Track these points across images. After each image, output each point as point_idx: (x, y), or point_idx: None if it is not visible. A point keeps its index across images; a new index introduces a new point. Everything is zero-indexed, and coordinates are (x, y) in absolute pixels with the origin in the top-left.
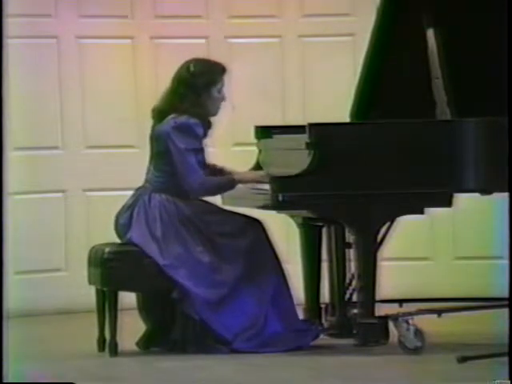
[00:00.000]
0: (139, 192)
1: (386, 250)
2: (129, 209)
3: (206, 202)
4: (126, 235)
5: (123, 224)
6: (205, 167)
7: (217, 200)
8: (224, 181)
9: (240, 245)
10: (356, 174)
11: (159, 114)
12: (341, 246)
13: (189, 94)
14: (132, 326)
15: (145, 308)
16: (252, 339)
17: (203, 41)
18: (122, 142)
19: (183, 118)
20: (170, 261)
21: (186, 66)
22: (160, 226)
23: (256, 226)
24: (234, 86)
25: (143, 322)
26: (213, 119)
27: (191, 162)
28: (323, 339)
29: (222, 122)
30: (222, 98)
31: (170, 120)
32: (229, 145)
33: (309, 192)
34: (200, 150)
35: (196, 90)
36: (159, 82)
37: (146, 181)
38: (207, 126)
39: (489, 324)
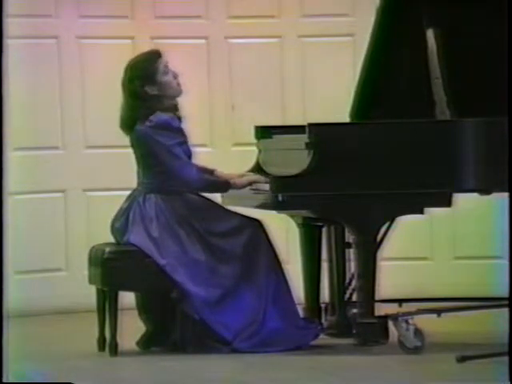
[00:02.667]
0: (134, 195)
1: (386, 250)
2: (124, 213)
3: (203, 198)
4: (123, 238)
5: (119, 228)
6: (191, 158)
7: (217, 200)
8: (218, 182)
9: (236, 244)
10: (356, 174)
11: (127, 127)
12: (341, 246)
13: (141, 100)
14: (132, 326)
15: (145, 309)
16: (252, 337)
17: (203, 41)
18: (121, 142)
19: (157, 116)
20: (168, 261)
21: (124, 76)
22: (156, 226)
23: (253, 226)
24: (234, 86)
25: (143, 324)
26: (213, 119)
27: (180, 157)
28: (323, 339)
29: (221, 122)
30: (175, 75)
31: (145, 121)
32: (229, 145)
33: (309, 192)
34: (183, 143)
35: (143, 90)
36: None
37: (139, 184)
38: (178, 115)
39: (488, 324)
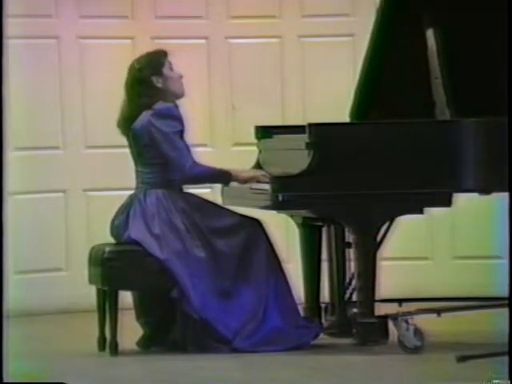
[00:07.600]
0: (135, 193)
1: (386, 250)
2: (125, 210)
3: (203, 198)
4: (124, 235)
5: (119, 225)
6: (189, 151)
7: (217, 200)
8: (218, 171)
9: (235, 243)
10: (356, 174)
11: (126, 123)
12: (341, 246)
13: (146, 88)
14: (132, 326)
15: (142, 312)
16: (252, 336)
17: (203, 41)
18: (122, 142)
19: (158, 105)
20: (168, 256)
21: (130, 68)
22: (158, 223)
23: (252, 225)
24: (234, 86)
25: (141, 327)
26: (213, 119)
27: (179, 145)
28: (323, 338)
29: (221, 122)
30: (180, 76)
31: (145, 113)
32: (229, 145)
33: (309, 192)
34: (183, 132)
35: (149, 79)
36: None
37: (138, 182)
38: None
39: (488, 324)
